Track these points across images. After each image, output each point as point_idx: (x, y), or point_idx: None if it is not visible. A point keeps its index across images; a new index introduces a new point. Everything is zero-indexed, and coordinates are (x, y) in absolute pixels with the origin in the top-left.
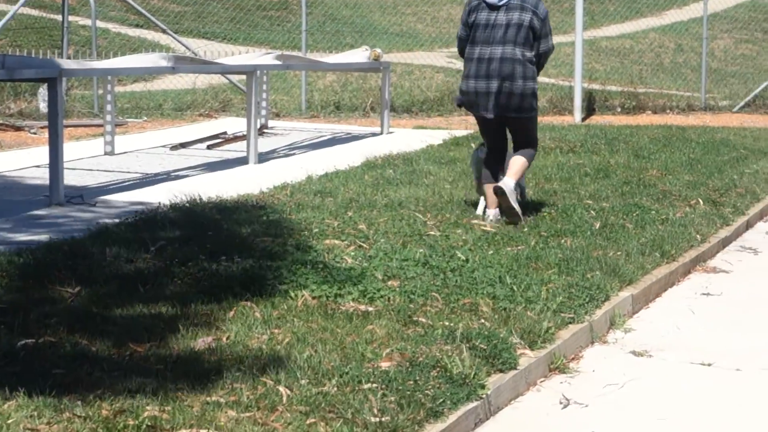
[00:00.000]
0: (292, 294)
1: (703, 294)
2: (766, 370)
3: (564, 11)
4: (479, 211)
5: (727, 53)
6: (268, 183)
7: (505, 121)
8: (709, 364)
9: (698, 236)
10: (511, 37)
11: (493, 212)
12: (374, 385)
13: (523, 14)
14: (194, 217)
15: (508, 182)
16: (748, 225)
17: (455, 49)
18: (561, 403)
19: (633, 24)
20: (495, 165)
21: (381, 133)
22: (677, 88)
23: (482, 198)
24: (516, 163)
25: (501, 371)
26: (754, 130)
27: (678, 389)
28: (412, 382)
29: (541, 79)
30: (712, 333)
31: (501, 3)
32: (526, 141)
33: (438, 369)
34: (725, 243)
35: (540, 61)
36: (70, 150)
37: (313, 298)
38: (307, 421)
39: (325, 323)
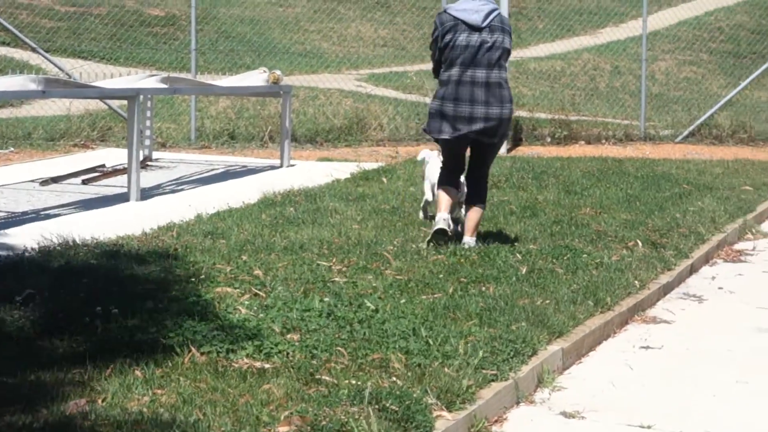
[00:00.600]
0: (178, 349)
1: (642, 347)
2: None
3: None
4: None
5: (669, 76)
6: (151, 223)
7: (480, 146)
8: (648, 427)
9: (636, 282)
10: (495, 60)
11: (443, 215)
12: None
13: (505, 37)
14: (67, 263)
15: (470, 242)
16: (692, 269)
17: (365, 71)
18: None
19: (565, 43)
20: (455, 179)
21: (281, 166)
22: (614, 115)
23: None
24: (475, 218)
25: None
26: (698, 162)
27: None
28: None
29: None
30: (651, 391)
31: (484, 24)
32: (487, 169)
33: None
34: (667, 290)
35: None
36: None
37: (202, 354)
38: None
39: (215, 382)
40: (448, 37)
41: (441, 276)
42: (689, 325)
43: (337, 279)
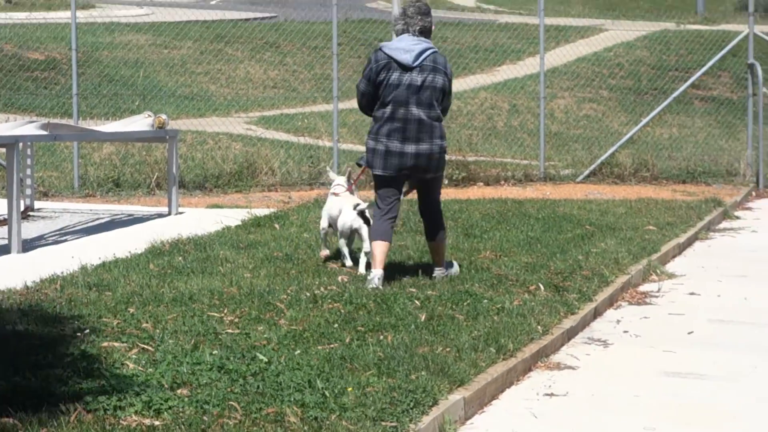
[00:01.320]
0: (63, 407)
1: (546, 394)
2: None
3: None
4: (359, 267)
5: (569, 114)
6: (34, 275)
7: (420, 182)
8: None
9: (539, 327)
10: (427, 99)
11: (378, 272)
12: None
13: (437, 76)
14: None
15: (440, 273)
16: (597, 313)
17: (255, 114)
18: None
19: (461, 82)
20: (389, 223)
21: (169, 214)
22: (513, 155)
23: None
24: (441, 250)
25: None
26: (600, 202)
27: None
28: None
29: (355, 147)
30: None
31: (415, 64)
32: (436, 200)
33: None
34: (570, 334)
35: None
36: None
37: (88, 411)
38: None
39: None
40: (381, 76)
41: (337, 325)
42: (594, 371)
43: (228, 330)
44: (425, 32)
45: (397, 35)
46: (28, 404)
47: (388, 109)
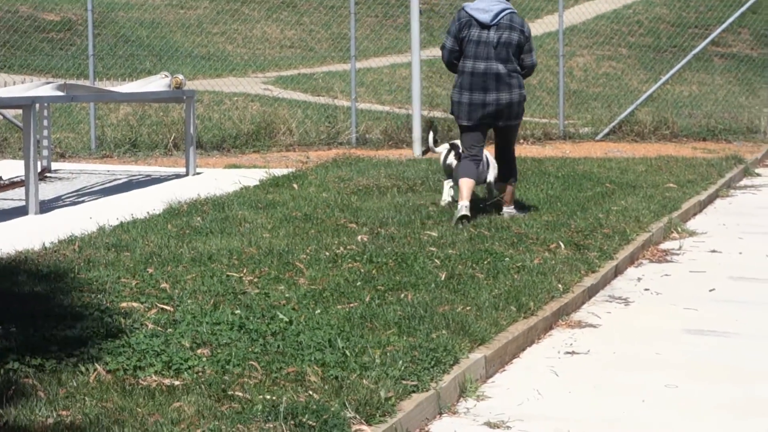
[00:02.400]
0: (83, 368)
1: (567, 353)
2: None
3: (398, 27)
4: (446, 199)
5: (588, 72)
6: (52, 236)
7: (497, 128)
8: None
9: (560, 286)
10: (503, 54)
11: (465, 203)
12: None
13: (512, 33)
14: None
15: (509, 211)
16: (617, 271)
17: (272, 74)
18: None
19: None
20: (474, 164)
21: (186, 175)
22: (532, 113)
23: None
24: (510, 191)
25: None
26: (620, 160)
27: None
28: None
29: (373, 107)
30: (578, 399)
31: (492, 23)
32: (512, 146)
33: None
34: (591, 292)
35: (525, 74)
36: None
37: (108, 372)
38: None
39: (122, 402)
40: (463, 33)
41: (357, 284)
42: (616, 329)
43: (248, 290)
44: None
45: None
46: (46, 365)
47: (469, 63)
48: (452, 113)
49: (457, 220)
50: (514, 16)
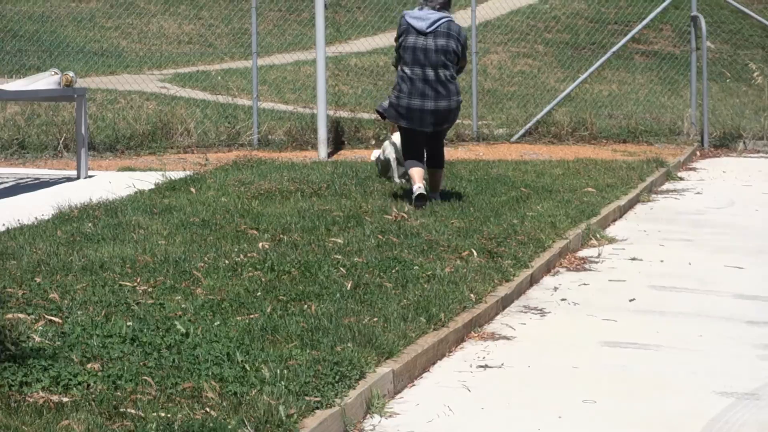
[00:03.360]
0: None
1: (480, 366)
2: None
3: (302, 22)
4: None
5: (503, 71)
6: None
7: (434, 132)
8: None
9: (472, 296)
10: (440, 61)
11: (419, 185)
12: None
13: (449, 41)
14: None
15: (436, 197)
16: (533, 280)
17: (169, 71)
18: None
19: (388, 36)
20: (419, 159)
21: (78, 178)
22: None
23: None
24: (438, 178)
25: None
26: (536, 163)
27: None
28: None
29: (276, 106)
30: (491, 415)
31: (429, 30)
32: (442, 144)
33: None
34: (505, 303)
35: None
36: None
37: None
38: None
39: (7, 420)
40: (401, 39)
41: (258, 294)
42: (531, 341)
43: (142, 301)
44: (445, 5)
45: (420, 8)
46: None
47: (407, 70)
48: (387, 116)
49: (415, 200)
50: (451, 24)
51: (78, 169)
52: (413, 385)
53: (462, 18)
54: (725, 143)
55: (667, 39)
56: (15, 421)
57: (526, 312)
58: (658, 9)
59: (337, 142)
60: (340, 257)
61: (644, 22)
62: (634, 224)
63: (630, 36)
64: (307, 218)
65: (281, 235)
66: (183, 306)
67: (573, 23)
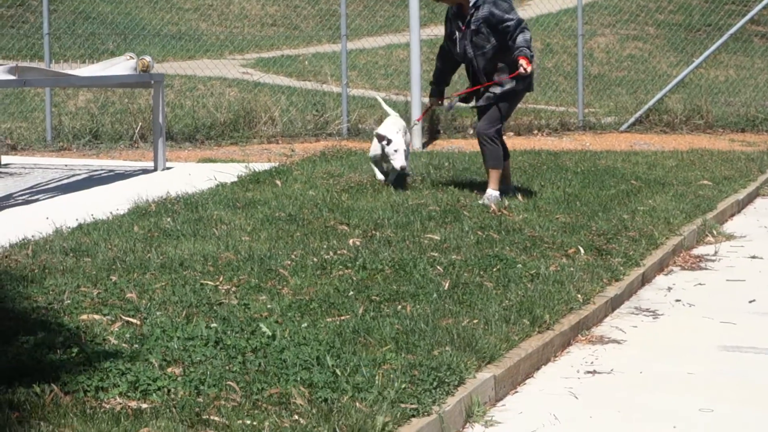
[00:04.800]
0: (38, 389)
1: (588, 372)
2: None
3: (394, 3)
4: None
5: (611, 54)
6: (2, 239)
7: None
8: None
9: (579, 296)
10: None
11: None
12: None
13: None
14: None
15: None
16: (645, 279)
17: (251, 56)
18: None
19: None
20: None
21: (155, 169)
22: (547, 101)
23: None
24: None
25: None
26: (647, 154)
27: None
28: None
29: (366, 93)
30: (600, 425)
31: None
32: None
33: None
34: (615, 304)
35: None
36: None
37: (66, 393)
38: None
39: (83, 427)
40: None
41: (349, 294)
42: (643, 345)
43: (225, 301)
44: None
45: None
46: None
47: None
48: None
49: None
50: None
51: (155, 160)
52: (516, 392)
53: None
54: None
55: None
56: (91, 429)
57: (637, 314)
58: None
59: (432, 132)
60: (436, 255)
61: (764, 2)
62: (754, 219)
63: (749, 17)
64: (401, 213)
65: (373, 231)
66: (269, 306)
67: (687, 3)
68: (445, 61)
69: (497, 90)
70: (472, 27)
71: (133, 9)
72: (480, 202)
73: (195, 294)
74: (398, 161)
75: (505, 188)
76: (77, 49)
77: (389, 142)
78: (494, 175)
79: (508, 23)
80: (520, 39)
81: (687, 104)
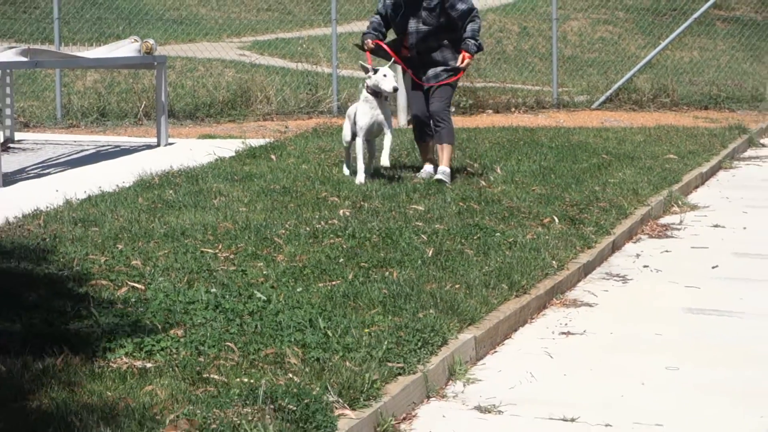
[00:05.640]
0: (48, 350)
1: (562, 333)
2: (639, 424)
3: None
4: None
5: (583, 37)
6: (15, 210)
7: None
8: (573, 420)
9: (554, 263)
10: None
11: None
12: None
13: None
14: None
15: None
16: (615, 247)
17: (248, 39)
18: None
19: None
20: None
21: (158, 145)
22: (523, 81)
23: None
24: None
25: None
26: (617, 130)
27: None
28: None
29: (355, 73)
30: (574, 382)
31: None
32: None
33: None
34: (587, 270)
35: None
36: None
37: (75, 353)
38: None
39: (91, 385)
40: None
41: (339, 261)
42: (613, 308)
43: (223, 267)
44: None
45: None
46: (9, 347)
47: None
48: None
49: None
50: None
51: (158, 136)
52: (495, 352)
53: None
54: None
55: (749, 5)
56: (99, 386)
57: (608, 279)
58: None
59: None
60: (421, 224)
61: None
62: (717, 191)
63: (712, 2)
64: (387, 185)
65: (362, 203)
66: (265, 272)
67: None
68: (381, 26)
69: (442, 69)
70: (424, 4)
71: None
72: (436, 178)
73: (196, 261)
74: (389, 83)
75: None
76: (85, 33)
77: (375, 71)
78: (448, 152)
79: (464, 9)
80: (468, 29)
81: (654, 83)
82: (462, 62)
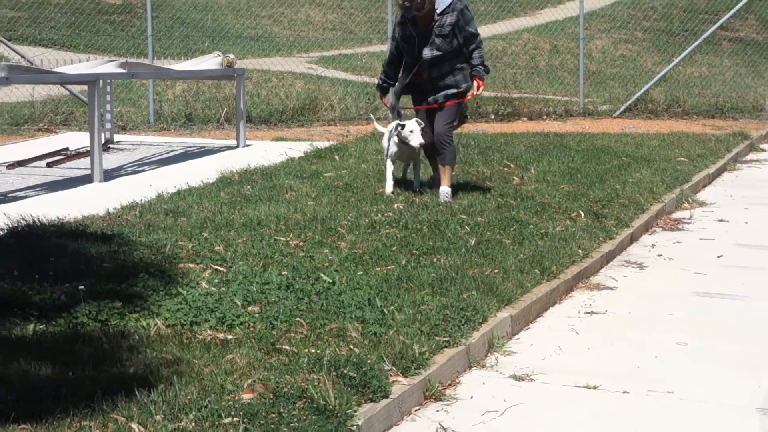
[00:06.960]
0: (144, 323)
1: (587, 312)
2: (653, 391)
3: None
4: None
5: (606, 54)
6: (114, 203)
7: None
8: (595, 387)
9: (580, 251)
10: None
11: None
12: (235, 419)
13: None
14: (34, 242)
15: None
16: (633, 238)
17: (315, 54)
18: None
19: (505, 24)
20: None
21: (237, 146)
22: (554, 92)
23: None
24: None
25: (372, 400)
26: (635, 135)
27: (562, 414)
28: (276, 415)
29: None
30: (596, 354)
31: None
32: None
33: (304, 400)
34: (609, 258)
35: None
36: None
37: (167, 326)
38: None
39: (180, 354)
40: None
41: (394, 248)
42: (631, 291)
43: (294, 253)
44: None
45: None
46: (111, 319)
47: None
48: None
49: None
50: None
51: (237, 139)
52: (528, 328)
53: (571, 8)
54: None
55: (752, 27)
56: (187, 355)
57: (627, 266)
58: (745, 0)
59: (461, 117)
60: (464, 217)
61: (732, 12)
62: (722, 190)
63: (719, 24)
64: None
65: (414, 197)
66: (330, 258)
67: (668, 12)
68: (394, 66)
69: (453, 91)
70: (437, 32)
71: (219, 16)
72: (440, 200)
73: (270, 247)
74: (416, 139)
75: (434, 182)
76: (174, 48)
77: (402, 126)
78: (449, 172)
79: (472, 32)
80: (476, 55)
81: (668, 95)
82: (478, 89)
